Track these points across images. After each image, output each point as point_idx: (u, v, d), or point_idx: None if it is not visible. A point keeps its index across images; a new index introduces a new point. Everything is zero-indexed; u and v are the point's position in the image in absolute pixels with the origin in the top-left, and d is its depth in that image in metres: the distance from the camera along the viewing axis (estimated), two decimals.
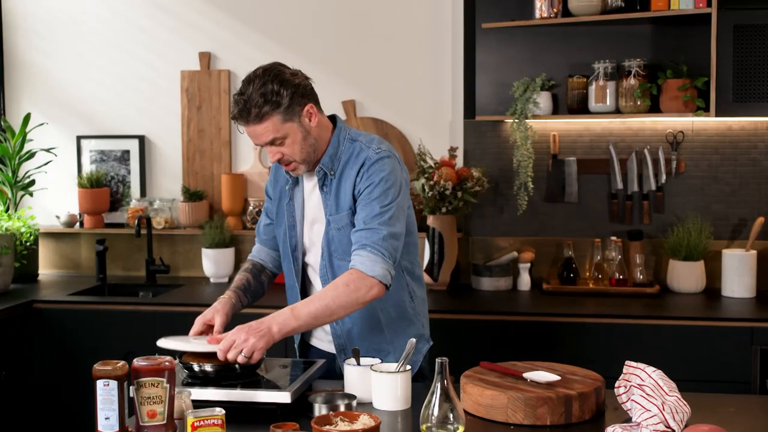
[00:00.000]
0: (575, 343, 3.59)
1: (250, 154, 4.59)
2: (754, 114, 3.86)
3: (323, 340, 2.77)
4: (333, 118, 2.68)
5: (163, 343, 2.40)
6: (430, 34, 4.40)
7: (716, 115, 3.80)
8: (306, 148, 2.55)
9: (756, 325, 3.48)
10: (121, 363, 2.02)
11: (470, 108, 4.26)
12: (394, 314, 2.68)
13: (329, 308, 2.44)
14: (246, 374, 2.33)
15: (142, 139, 4.68)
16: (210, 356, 2.32)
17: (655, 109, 3.98)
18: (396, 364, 2.33)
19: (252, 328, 2.35)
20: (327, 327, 2.68)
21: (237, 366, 2.31)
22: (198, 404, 2.16)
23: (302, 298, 2.64)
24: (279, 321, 2.40)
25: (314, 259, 2.69)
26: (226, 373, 2.30)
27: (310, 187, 2.68)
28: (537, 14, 3.99)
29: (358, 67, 4.48)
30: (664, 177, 4.12)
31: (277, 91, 2.46)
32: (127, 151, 4.69)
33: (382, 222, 2.49)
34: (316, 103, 2.59)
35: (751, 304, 3.77)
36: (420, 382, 2.58)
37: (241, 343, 2.30)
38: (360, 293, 2.44)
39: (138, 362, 2.02)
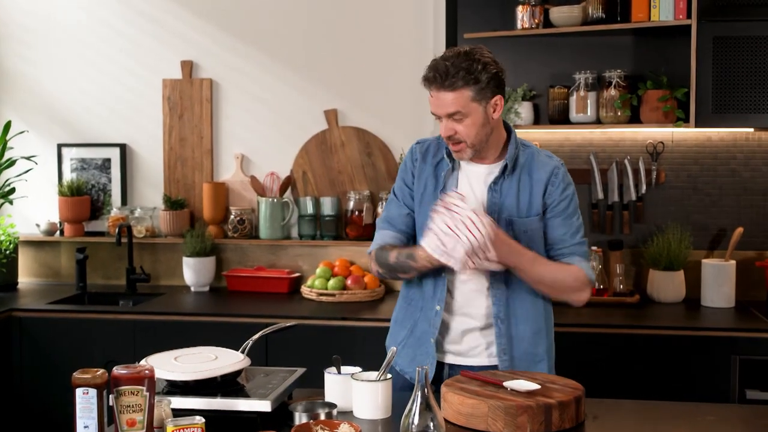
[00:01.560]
0: (555, 352, 3.59)
1: (232, 163, 4.58)
2: (734, 125, 3.89)
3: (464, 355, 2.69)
4: (505, 124, 2.70)
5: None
6: (412, 44, 4.41)
7: (696, 126, 3.82)
8: (481, 135, 2.55)
9: (736, 335, 3.50)
10: (101, 371, 2.01)
11: None
12: (546, 312, 2.75)
13: (555, 281, 2.60)
14: (226, 384, 2.33)
15: (123, 148, 4.66)
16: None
17: (635, 119, 4.00)
18: (376, 373, 2.33)
19: (504, 239, 2.48)
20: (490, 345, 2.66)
21: (218, 377, 2.30)
22: (178, 413, 2.15)
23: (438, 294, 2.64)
24: (524, 257, 2.52)
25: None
26: (207, 382, 2.29)
27: (472, 179, 2.64)
28: (519, 25, 4.01)
29: (341, 76, 4.49)
30: (644, 187, 4.15)
31: (480, 69, 2.49)
32: (108, 160, 4.67)
33: (581, 234, 2.66)
34: (505, 100, 2.61)
35: (731, 314, 3.79)
36: None
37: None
38: (577, 294, 2.64)
39: (118, 370, 2.01)
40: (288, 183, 4.49)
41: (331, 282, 4.18)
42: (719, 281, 3.91)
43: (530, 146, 2.68)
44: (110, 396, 2.00)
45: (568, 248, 2.61)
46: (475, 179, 2.65)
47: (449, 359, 2.68)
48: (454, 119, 2.53)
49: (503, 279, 2.60)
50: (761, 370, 3.47)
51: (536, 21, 3.99)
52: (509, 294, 2.62)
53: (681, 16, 3.79)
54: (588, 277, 2.61)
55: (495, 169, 2.63)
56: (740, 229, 3.98)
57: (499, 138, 2.63)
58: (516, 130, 2.74)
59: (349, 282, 4.19)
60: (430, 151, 2.72)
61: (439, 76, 2.51)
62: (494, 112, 2.55)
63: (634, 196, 4.16)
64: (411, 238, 2.73)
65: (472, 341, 2.66)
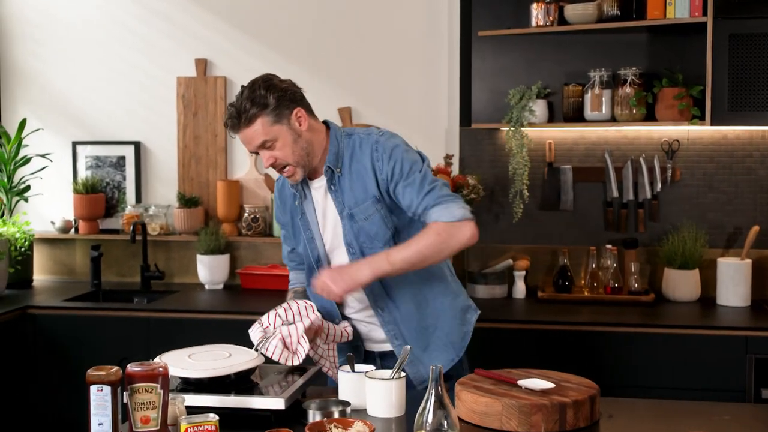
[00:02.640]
0: (570, 350, 3.59)
1: (245, 160, 4.58)
2: (750, 123, 3.86)
3: (375, 341, 2.79)
4: (326, 123, 2.72)
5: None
6: (426, 42, 4.40)
7: (712, 124, 3.80)
8: (298, 150, 2.59)
9: (751, 334, 3.48)
10: (115, 368, 2.02)
11: (466, 116, 4.27)
12: (437, 289, 2.75)
13: (421, 252, 2.55)
14: (240, 381, 2.33)
15: (137, 145, 4.67)
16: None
17: (650, 117, 3.98)
18: (390, 371, 2.33)
19: (341, 271, 2.54)
20: (377, 327, 2.75)
21: (231, 375, 2.30)
22: (192, 410, 2.15)
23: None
24: (373, 265, 2.53)
25: (340, 260, 2.71)
26: (220, 380, 2.29)
27: (320, 194, 2.70)
28: (533, 22, 4.00)
29: (354, 74, 4.48)
30: (659, 185, 4.13)
31: (263, 94, 2.54)
32: (123, 157, 4.69)
33: (428, 182, 2.58)
34: (307, 109, 2.64)
35: (746, 313, 3.77)
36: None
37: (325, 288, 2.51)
38: (454, 238, 2.56)
39: (132, 368, 2.02)
40: None
41: None
42: (735, 280, 3.89)
43: (353, 134, 2.68)
44: (124, 393, 2.00)
45: (421, 207, 2.57)
46: (320, 195, 2.71)
47: (373, 347, 2.80)
48: (267, 148, 2.58)
49: None
50: None
51: (551, 18, 3.97)
52: (381, 282, 2.66)
53: (696, 14, 3.77)
54: (448, 221, 2.55)
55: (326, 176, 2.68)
56: (756, 228, 3.96)
57: (321, 146, 2.66)
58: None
59: None
60: (285, 185, 2.78)
61: (234, 119, 2.56)
62: (300, 125, 2.60)
63: (649, 195, 4.14)
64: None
65: (376, 333, 2.77)
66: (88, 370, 2.01)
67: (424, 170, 2.60)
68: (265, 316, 2.59)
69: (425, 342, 2.72)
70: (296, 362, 2.47)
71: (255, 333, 2.55)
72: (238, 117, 2.54)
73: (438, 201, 2.56)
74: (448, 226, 2.55)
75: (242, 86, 2.59)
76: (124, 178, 4.70)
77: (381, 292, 2.69)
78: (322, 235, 2.72)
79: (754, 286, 3.93)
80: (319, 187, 2.69)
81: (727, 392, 3.44)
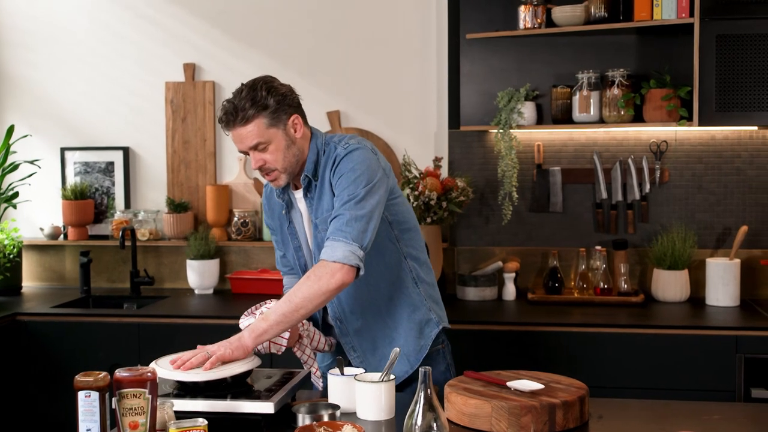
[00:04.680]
0: (560, 352, 3.59)
1: (235, 165, 4.58)
2: (738, 123, 3.88)
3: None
4: (312, 131, 2.70)
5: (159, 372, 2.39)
6: (414, 45, 4.41)
7: (699, 125, 3.81)
8: (289, 157, 2.57)
9: (740, 334, 3.49)
10: (103, 374, 2.01)
11: (455, 118, 4.27)
12: (397, 301, 2.70)
13: (293, 303, 2.43)
14: (236, 384, 2.33)
15: (126, 151, 4.66)
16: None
17: (638, 118, 3.99)
18: (379, 374, 2.33)
19: (228, 341, 2.40)
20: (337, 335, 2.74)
21: (228, 378, 2.30)
22: (181, 415, 2.14)
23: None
24: (251, 328, 2.43)
25: None
26: (216, 384, 2.29)
27: (303, 204, 2.69)
28: (521, 25, 4.01)
29: (344, 77, 4.48)
30: (648, 186, 4.13)
31: (264, 96, 2.51)
32: (112, 163, 4.67)
33: (346, 208, 2.49)
34: (303, 116, 2.62)
35: (736, 313, 3.78)
36: (433, 365, 2.66)
37: (213, 353, 2.34)
38: (323, 281, 2.43)
39: (120, 373, 2.01)
40: None
41: None
42: (724, 280, 3.90)
43: (330, 142, 2.63)
44: (113, 399, 2.00)
45: (330, 226, 2.50)
46: (303, 205, 2.69)
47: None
48: (259, 150, 2.55)
49: None
50: (766, 369, 3.45)
51: (539, 21, 3.98)
52: (339, 296, 2.64)
53: (684, 15, 3.78)
54: (327, 259, 2.44)
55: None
56: (745, 228, 3.97)
57: (306, 147, 2.63)
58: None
59: None
60: (274, 193, 2.76)
61: (231, 115, 2.52)
62: (296, 132, 2.58)
63: (638, 196, 4.15)
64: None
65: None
66: (76, 376, 2.00)
67: (356, 194, 2.49)
68: (253, 307, 2.60)
69: (380, 354, 2.69)
70: (273, 350, 2.49)
71: (243, 322, 2.55)
72: (235, 114, 2.51)
73: (332, 234, 2.47)
74: (323, 269, 2.44)
75: (242, 84, 2.56)
76: (113, 184, 4.69)
77: (338, 304, 2.68)
78: (309, 245, 2.71)
79: (743, 286, 3.95)
80: (301, 197, 2.68)
81: (718, 392, 3.45)
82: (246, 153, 2.58)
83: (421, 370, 1.94)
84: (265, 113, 2.51)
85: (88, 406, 1.97)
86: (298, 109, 2.60)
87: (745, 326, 3.53)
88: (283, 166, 2.57)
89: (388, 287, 2.68)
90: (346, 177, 2.52)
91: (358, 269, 2.46)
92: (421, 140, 4.40)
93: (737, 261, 3.92)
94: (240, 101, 2.51)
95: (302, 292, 2.44)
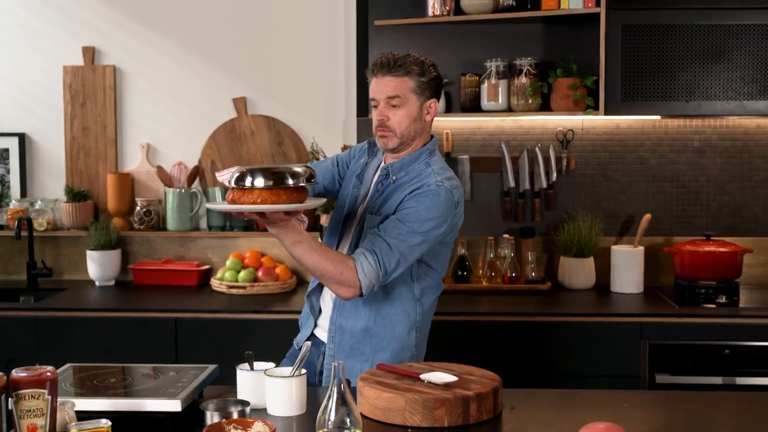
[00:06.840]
0: (471, 342, 3.59)
1: (137, 152, 4.44)
2: (642, 112, 3.94)
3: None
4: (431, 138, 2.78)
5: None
6: (322, 31, 4.34)
7: (605, 114, 3.85)
8: (410, 127, 2.65)
9: (645, 320, 3.55)
10: None
11: (363, 106, 4.22)
12: (398, 334, 2.71)
13: (317, 269, 2.49)
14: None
15: (22, 137, 4.48)
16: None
17: (546, 107, 4.02)
18: (290, 368, 2.28)
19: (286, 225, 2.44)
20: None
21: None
22: (82, 415, 2.05)
23: None
24: (294, 236, 2.46)
25: (347, 240, 2.74)
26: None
27: (369, 176, 2.78)
28: (430, 12, 3.98)
29: (250, 63, 4.39)
30: (555, 175, 4.17)
31: (428, 69, 2.65)
32: (6, 150, 4.49)
33: (399, 235, 2.54)
34: (437, 109, 2.73)
35: (640, 300, 3.85)
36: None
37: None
38: (341, 286, 2.52)
39: (17, 373, 1.91)
40: (196, 173, 4.38)
41: (242, 274, 4.10)
42: (628, 267, 3.97)
43: (432, 164, 2.69)
44: (9, 400, 1.90)
45: (378, 238, 2.55)
46: (369, 177, 2.78)
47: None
48: (391, 105, 2.63)
49: None
50: (670, 354, 3.52)
51: (447, 8, 3.96)
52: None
53: (590, 5, 3.82)
54: (353, 269, 2.51)
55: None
56: (648, 216, 4.04)
57: (415, 146, 2.71)
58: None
59: (260, 274, 4.11)
60: (364, 155, 2.86)
61: (390, 61, 2.63)
62: (427, 114, 2.69)
63: (545, 184, 4.18)
64: (323, 190, 2.95)
65: None
66: None
67: (416, 231, 2.55)
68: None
69: (353, 349, 2.71)
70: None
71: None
72: (394, 63, 2.61)
73: (373, 246, 2.52)
74: (345, 273, 2.49)
75: (409, 51, 2.68)
76: (8, 172, 4.50)
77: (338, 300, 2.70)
78: (345, 210, 2.77)
79: (646, 273, 4.02)
80: (375, 177, 2.74)
81: (624, 378, 3.51)
82: (375, 105, 2.66)
83: (334, 364, 1.90)
84: (418, 79, 2.62)
85: None
86: (439, 96, 2.72)
87: (650, 312, 3.60)
88: (400, 131, 2.65)
89: (394, 324, 2.71)
90: (419, 210, 2.56)
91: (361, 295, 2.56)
92: (330, 128, 4.34)
93: (641, 248, 3.99)
94: (405, 59, 2.62)
95: (328, 273, 2.49)
